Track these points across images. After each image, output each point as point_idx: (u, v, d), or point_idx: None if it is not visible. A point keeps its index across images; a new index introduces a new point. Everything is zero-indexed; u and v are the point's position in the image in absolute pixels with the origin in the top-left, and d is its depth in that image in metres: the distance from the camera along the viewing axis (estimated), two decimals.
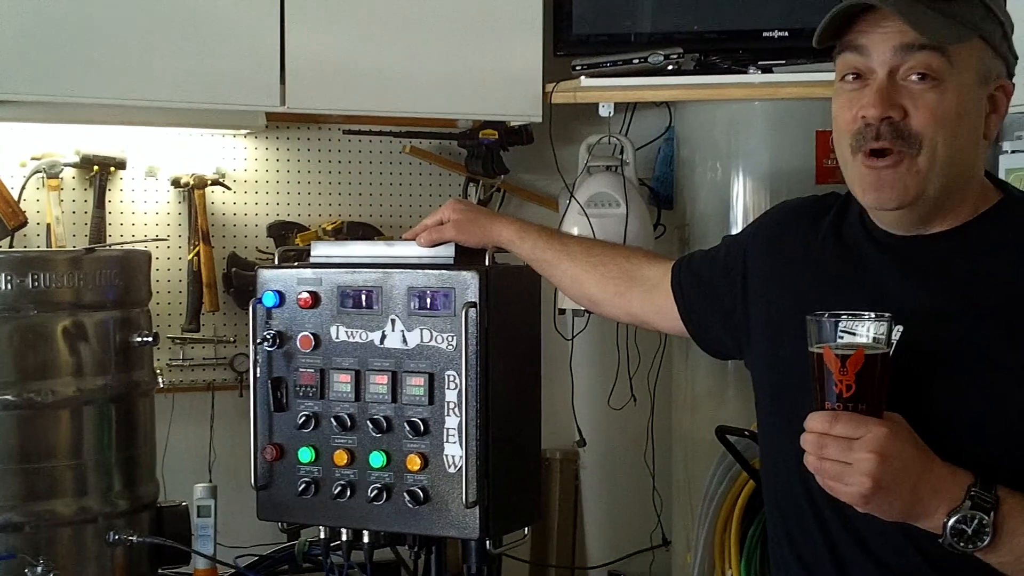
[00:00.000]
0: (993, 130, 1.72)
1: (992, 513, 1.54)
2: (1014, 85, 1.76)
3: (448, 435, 2.30)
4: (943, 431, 1.61)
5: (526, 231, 2.34)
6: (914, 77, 1.65)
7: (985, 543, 1.54)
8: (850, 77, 1.70)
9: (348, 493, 2.37)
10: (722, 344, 2.08)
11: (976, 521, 1.54)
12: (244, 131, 3.20)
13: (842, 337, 1.60)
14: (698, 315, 2.10)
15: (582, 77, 3.03)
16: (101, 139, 3.08)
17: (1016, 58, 1.75)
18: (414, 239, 2.40)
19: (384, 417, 2.34)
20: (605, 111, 3.07)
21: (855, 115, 1.68)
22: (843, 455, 1.54)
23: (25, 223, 3.00)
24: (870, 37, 1.67)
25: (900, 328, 1.67)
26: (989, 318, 1.65)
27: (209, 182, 3.18)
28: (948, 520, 1.55)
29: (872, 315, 1.60)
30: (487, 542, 2.35)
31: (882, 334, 1.59)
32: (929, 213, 1.71)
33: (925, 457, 1.57)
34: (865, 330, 1.60)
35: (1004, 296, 1.66)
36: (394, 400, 2.34)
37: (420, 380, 2.32)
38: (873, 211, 1.75)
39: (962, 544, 1.54)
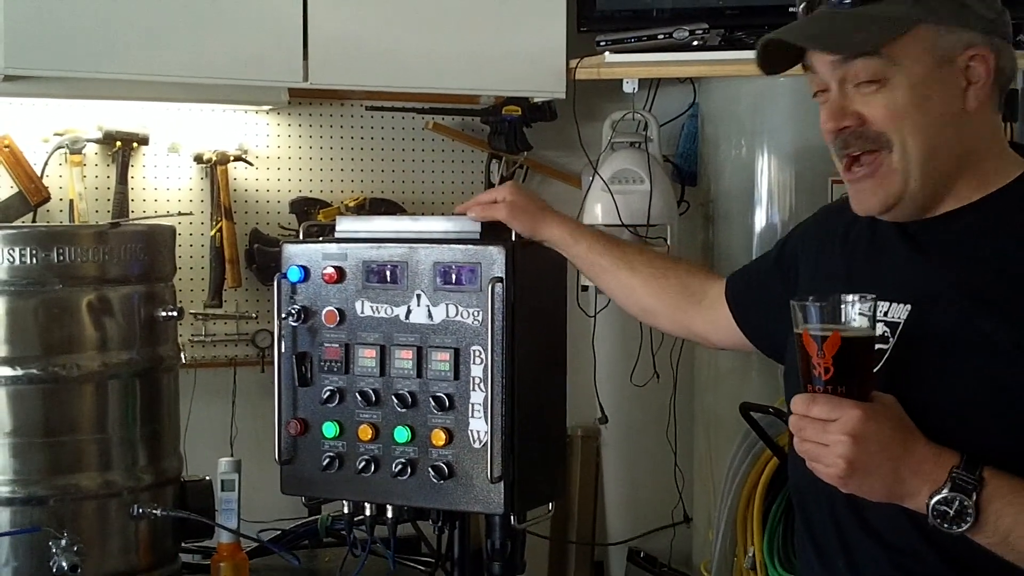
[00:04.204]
0: (973, 101, 1.67)
1: (975, 495, 1.53)
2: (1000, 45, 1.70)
3: (473, 410, 2.29)
4: (942, 414, 1.60)
5: (580, 232, 2.32)
6: (859, 83, 1.66)
7: (968, 524, 1.53)
8: (820, 93, 1.73)
9: (372, 468, 2.36)
10: (783, 347, 2.04)
11: (957, 503, 1.53)
12: (267, 107, 3.20)
13: (842, 318, 1.59)
14: (755, 320, 2.09)
15: (606, 53, 3.02)
16: (124, 115, 3.08)
17: (994, 18, 1.69)
18: (464, 213, 2.37)
19: (409, 392, 2.33)
20: (629, 87, 3.06)
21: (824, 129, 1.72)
22: (819, 437, 1.56)
23: (48, 199, 3.01)
24: (813, 56, 1.71)
25: (909, 307, 1.67)
26: (991, 300, 1.63)
27: (231, 158, 3.18)
28: (930, 501, 1.54)
29: (855, 297, 1.60)
30: (512, 517, 2.35)
31: (864, 315, 1.59)
32: (925, 202, 1.70)
33: (905, 438, 1.56)
34: (849, 312, 1.59)
35: (1010, 276, 1.64)
36: (419, 375, 2.33)
37: (445, 355, 2.31)
38: (864, 215, 1.76)
39: (946, 525, 1.54)
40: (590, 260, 2.30)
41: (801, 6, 1.77)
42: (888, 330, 1.68)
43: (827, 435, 1.54)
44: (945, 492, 1.54)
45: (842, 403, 1.55)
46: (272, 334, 2.45)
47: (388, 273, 2.36)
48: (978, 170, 1.70)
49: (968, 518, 1.53)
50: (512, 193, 2.34)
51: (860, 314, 1.59)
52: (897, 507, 1.60)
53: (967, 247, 1.69)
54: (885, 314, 1.69)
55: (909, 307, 1.67)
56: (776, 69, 1.78)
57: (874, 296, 1.60)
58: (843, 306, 1.59)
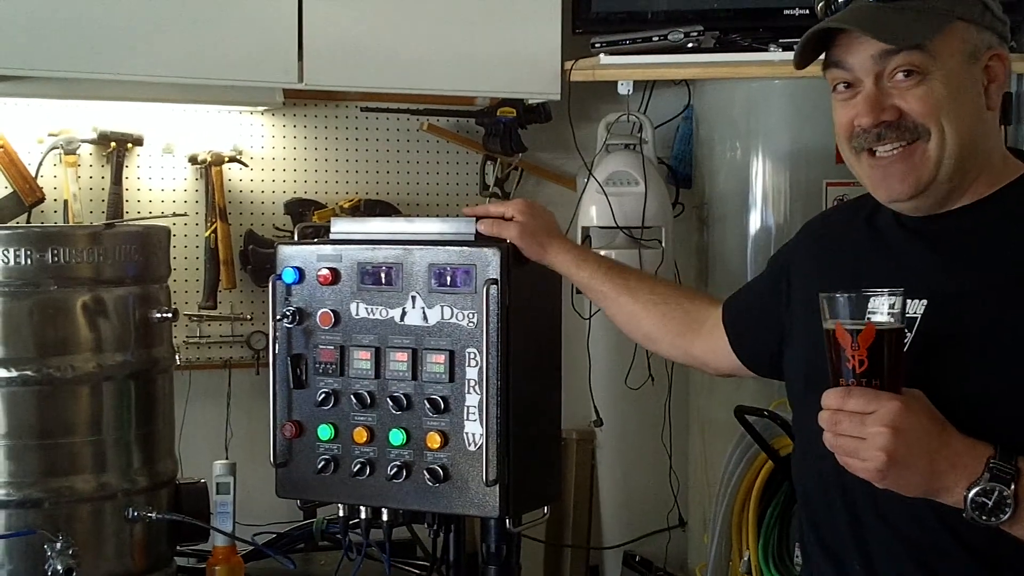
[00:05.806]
0: (995, 100, 1.73)
1: (1013, 485, 1.52)
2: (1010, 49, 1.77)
3: (468, 413, 2.29)
4: (966, 409, 1.60)
5: (584, 259, 2.32)
6: (899, 76, 1.68)
7: (1007, 515, 1.53)
8: (841, 87, 1.74)
9: (367, 471, 2.36)
10: (777, 363, 2.01)
11: (996, 493, 1.53)
12: (261, 108, 3.19)
13: (871, 313, 1.59)
14: (751, 341, 2.08)
15: (601, 55, 3.02)
16: (118, 116, 3.07)
17: (1006, 23, 1.75)
18: (472, 216, 2.35)
19: (404, 395, 2.33)
20: (624, 89, 3.06)
21: (851, 120, 1.72)
22: (857, 430, 1.54)
23: (42, 199, 3.00)
24: (849, 50, 1.71)
25: (925, 302, 1.68)
26: (1009, 294, 1.64)
27: (226, 159, 3.18)
28: (968, 493, 1.54)
29: (886, 291, 1.60)
30: (507, 521, 2.34)
31: (896, 309, 1.59)
32: (944, 197, 1.72)
33: (942, 431, 1.56)
34: (879, 306, 1.59)
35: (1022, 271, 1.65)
36: (414, 377, 2.33)
37: (440, 357, 2.30)
38: (888, 203, 1.76)
39: (984, 517, 1.53)
40: (593, 287, 2.30)
41: (828, 2, 1.77)
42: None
43: (865, 428, 1.53)
44: (983, 483, 1.53)
45: (879, 395, 1.54)
46: (267, 336, 2.44)
47: (383, 275, 2.35)
48: (991, 169, 1.73)
49: (1007, 508, 1.52)
50: (523, 213, 2.33)
51: (890, 307, 1.59)
52: (923, 502, 1.59)
53: (984, 241, 1.70)
54: None
55: (925, 302, 1.68)
56: (802, 64, 1.78)
57: (903, 289, 1.60)
58: (874, 299, 1.59)
